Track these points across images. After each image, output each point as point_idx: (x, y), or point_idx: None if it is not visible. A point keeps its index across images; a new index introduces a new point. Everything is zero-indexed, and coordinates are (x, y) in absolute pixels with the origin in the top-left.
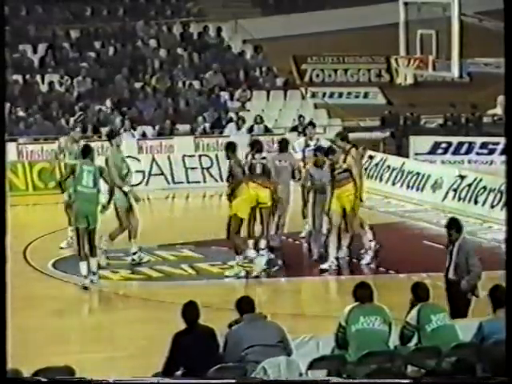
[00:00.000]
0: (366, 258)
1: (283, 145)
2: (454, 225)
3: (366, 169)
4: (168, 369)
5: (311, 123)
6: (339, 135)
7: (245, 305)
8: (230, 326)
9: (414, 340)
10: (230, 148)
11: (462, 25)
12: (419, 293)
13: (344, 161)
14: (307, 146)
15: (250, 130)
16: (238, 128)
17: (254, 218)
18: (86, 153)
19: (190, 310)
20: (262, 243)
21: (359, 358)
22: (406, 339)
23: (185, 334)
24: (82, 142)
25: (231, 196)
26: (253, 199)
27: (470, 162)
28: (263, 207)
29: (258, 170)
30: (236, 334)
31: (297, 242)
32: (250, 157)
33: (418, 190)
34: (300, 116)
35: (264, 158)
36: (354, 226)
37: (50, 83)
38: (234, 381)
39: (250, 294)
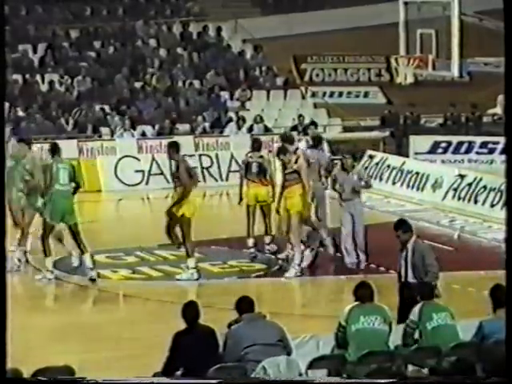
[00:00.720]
0: (291, 271)
1: (316, 141)
2: (401, 226)
3: (365, 168)
4: (168, 368)
5: (313, 123)
6: (282, 137)
7: (244, 304)
8: (230, 325)
9: (415, 337)
10: (173, 148)
11: (461, 24)
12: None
13: (295, 162)
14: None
15: (250, 129)
16: (238, 128)
17: (254, 216)
18: (56, 151)
19: (190, 310)
20: (267, 239)
21: (359, 357)
22: (408, 336)
23: (185, 334)
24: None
25: (182, 200)
26: (251, 198)
27: (469, 161)
28: (263, 205)
29: (254, 168)
30: (236, 334)
31: None
32: (247, 155)
33: (418, 189)
34: (300, 115)
35: (261, 156)
36: (293, 231)
37: (50, 83)
38: (234, 381)
39: (251, 293)
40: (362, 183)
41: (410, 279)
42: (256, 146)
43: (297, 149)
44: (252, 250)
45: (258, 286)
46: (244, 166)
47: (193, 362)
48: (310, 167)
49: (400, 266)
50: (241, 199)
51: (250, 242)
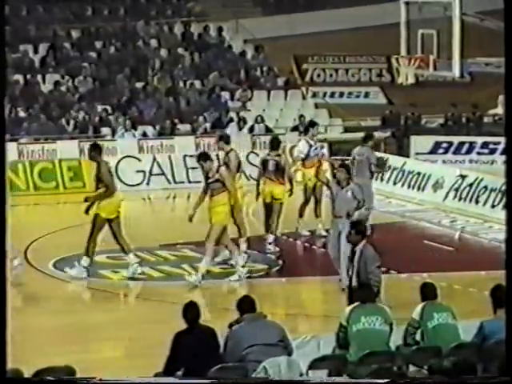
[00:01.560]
0: (235, 275)
1: (366, 139)
2: (355, 226)
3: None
4: (169, 368)
5: (313, 123)
6: (221, 139)
7: (246, 304)
8: (231, 325)
9: (417, 336)
10: (95, 150)
11: (463, 24)
12: (426, 293)
13: (217, 170)
14: (310, 146)
15: (251, 129)
16: (239, 128)
17: (270, 213)
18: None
19: (191, 310)
20: (270, 238)
21: (360, 357)
22: (409, 334)
23: (185, 334)
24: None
25: (102, 199)
26: (267, 195)
27: (470, 161)
28: (276, 203)
29: (271, 166)
30: (236, 334)
31: (297, 242)
32: (266, 154)
33: (418, 189)
34: (301, 116)
35: (279, 155)
36: (211, 238)
37: (51, 83)
38: (234, 381)
39: (250, 293)
40: (373, 168)
41: (355, 283)
42: (274, 144)
43: (227, 153)
44: (270, 245)
45: (258, 286)
46: (262, 163)
47: (193, 362)
48: (358, 164)
49: (347, 268)
50: (257, 196)
51: (270, 238)
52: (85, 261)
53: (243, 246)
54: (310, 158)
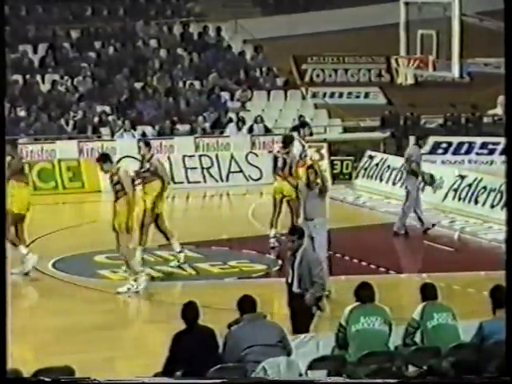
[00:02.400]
0: (124, 287)
1: (419, 140)
2: (295, 232)
3: (365, 169)
4: (168, 369)
5: (304, 123)
6: (141, 142)
7: (246, 304)
8: (230, 325)
9: (416, 336)
10: (105, 161)
11: (462, 25)
12: (428, 293)
13: (115, 173)
14: (303, 146)
15: (250, 130)
16: (239, 128)
17: (280, 210)
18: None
19: (190, 310)
20: (272, 233)
21: (359, 358)
22: (408, 334)
23: (184, 334)
24: None
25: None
26: (277, 191)
27: (470, 162)
28: (289, 199)
29: (280, 163)
30: (236, 334)
31: None
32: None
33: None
34: (300, 116)
35: (288, 152)
36: (122, 246)
37: (51, 83)
38: (234, 381)
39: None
40: (317, 190)
41: (296, 289)
42: (286, 142)
43: (149, 159)
44: (272, 240)
45: (258, 287)
46: (273, 160)
47: (192, 362)
48: (409, 164)
49: (287, 275)
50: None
51: (272, 232)
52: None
53: (176, 247)
54: (302, 159)
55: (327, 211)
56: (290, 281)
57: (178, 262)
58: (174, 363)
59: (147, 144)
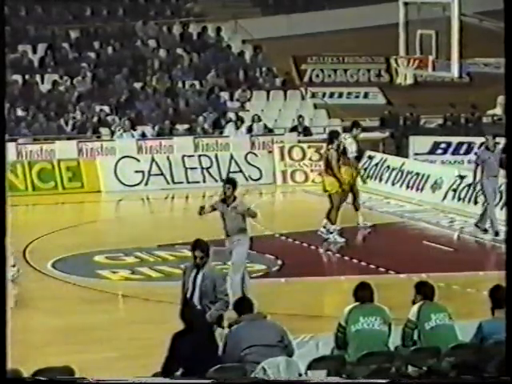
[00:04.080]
0: None
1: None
2: (198, 247)
3: (365, 169)
4: (167, 368)
5: (357, 124)
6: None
7: (244, 305)
8: (230, 326)
9: (414, 337)
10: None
11: (461, 25)
12: (425, 291)
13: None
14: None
15: (250, 130)
16: (237, 128)
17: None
18: None
19: (188, 311)
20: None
21: (359, 358)
22: (406, 336)
23: (183, 335)
24: None
25: None
26: (322, 187)
27: (469, 162)
28: (330, 194)
29: (323, 160)
30: (236, 335)
31: (296, 242)
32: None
33: (417, 190)
34: (300, 116)
35: (329, 149)
36: None
37: (50, 83)
38: (233, 381)
39: (250, 293)
40: (235, 205)
41: (197, 304)
42: (330, 138)
43: None
44: (331, 235)
45: (258, 287)
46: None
47: (191, 362)
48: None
49: (186, 289)
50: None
51: (323, 222)
52: None
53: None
54: (351, 158)
55: (248, 227)
56: (189, 295)
57: None
58: (172, 363)
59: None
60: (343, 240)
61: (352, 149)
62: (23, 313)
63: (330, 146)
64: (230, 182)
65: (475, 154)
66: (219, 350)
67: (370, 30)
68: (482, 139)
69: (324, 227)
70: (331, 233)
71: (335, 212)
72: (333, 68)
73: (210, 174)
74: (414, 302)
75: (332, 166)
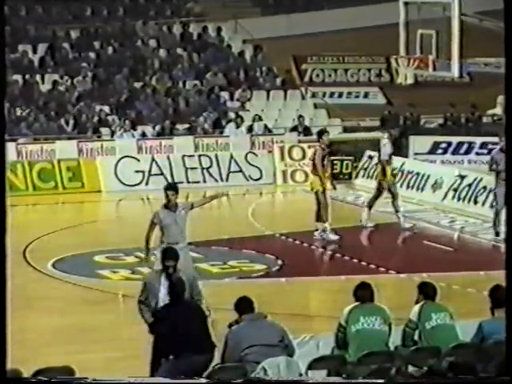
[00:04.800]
0: None
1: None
2: (168, 253)
3: (365, 169)
4: (157, 349)
5: (394, 126)
6: None
7: (244, 305)
8: (230, 326)
9: (415, 337)
10: None
11: (462, 25)
12: (427, 291)
13: None
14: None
15: (250, 129)
16: (238, 127)
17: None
18: None
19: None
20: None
21: (359, 358)
22: (407, 336)
23: (167, 307)
24: None
25: None
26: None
27: (469, 161)
28: (316, 192)
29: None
30: (236, 334)
31: (297, 242)
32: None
33: (417, 189)
34: (300, 116)
35: (316, 148)
36: None
37: (50, 83)
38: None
39: (250, 293)
40: (181, 211)
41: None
42: (317, 137)
43: None
44: (324, 233)
45: (258, 287)
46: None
47: (179, 336)
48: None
49: (152, 298)
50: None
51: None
52: None
53: None
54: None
55: (186, 235)
56: (154, 305)
57: None
58: (161, 340)
59: None
60: (337, 237)
61: (386, 151)
62: (23, 313)
63: (317, 145)
64: (174, 188)
65: (489, 155)
66: (207, 322)
67: (370, 29)
68: (483, 139)
69: (317, 230)
70: (324, 231)
71: (324, 210)
72: (333, 68)
73: (210, 173)
74: (417, 302)
75: (315, 163)
